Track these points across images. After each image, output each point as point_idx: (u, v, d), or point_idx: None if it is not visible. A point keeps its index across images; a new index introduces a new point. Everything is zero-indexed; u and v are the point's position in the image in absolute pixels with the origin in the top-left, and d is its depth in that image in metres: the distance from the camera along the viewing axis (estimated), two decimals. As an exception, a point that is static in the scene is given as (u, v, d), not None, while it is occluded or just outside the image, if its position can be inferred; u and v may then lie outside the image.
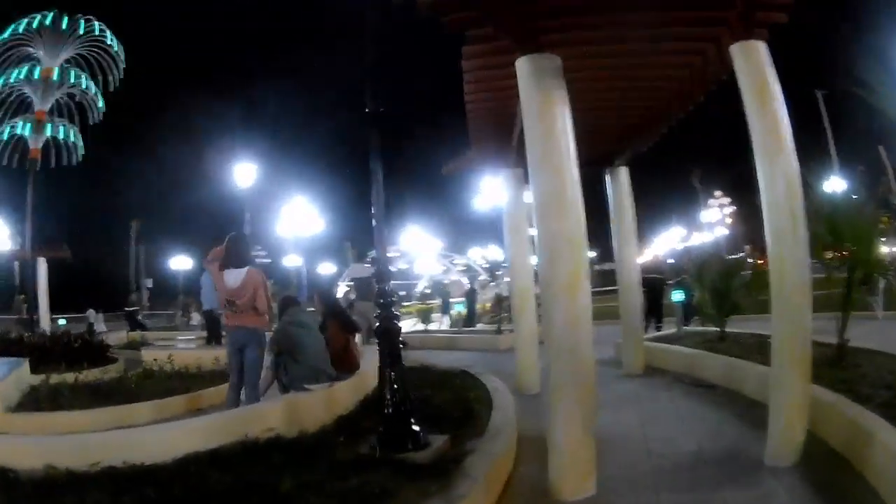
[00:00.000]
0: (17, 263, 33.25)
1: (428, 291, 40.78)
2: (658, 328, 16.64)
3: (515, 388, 10.37)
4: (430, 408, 7.40)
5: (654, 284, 17.12)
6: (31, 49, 32.96)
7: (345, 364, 9.34)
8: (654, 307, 17.28)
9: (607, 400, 8.42)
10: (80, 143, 35.26)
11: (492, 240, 53.63)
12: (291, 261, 48.94)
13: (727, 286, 11.42)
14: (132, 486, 4.95)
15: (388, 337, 6.48)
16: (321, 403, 7.87)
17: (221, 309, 9.59)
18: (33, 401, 9.47)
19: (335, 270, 54.53)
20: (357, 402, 8.42)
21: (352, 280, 18.48)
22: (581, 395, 5.67)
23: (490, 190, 37.52)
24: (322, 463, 5.60)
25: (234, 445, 6.10)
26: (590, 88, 8.07)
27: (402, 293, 30.51)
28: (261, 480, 5.01)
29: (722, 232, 66.73)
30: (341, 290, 28.82)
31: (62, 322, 34.13)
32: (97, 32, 34.35)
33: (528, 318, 11.36)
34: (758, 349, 9.26)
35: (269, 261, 48.55)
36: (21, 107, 33.45)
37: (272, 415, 7.07)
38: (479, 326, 25.16)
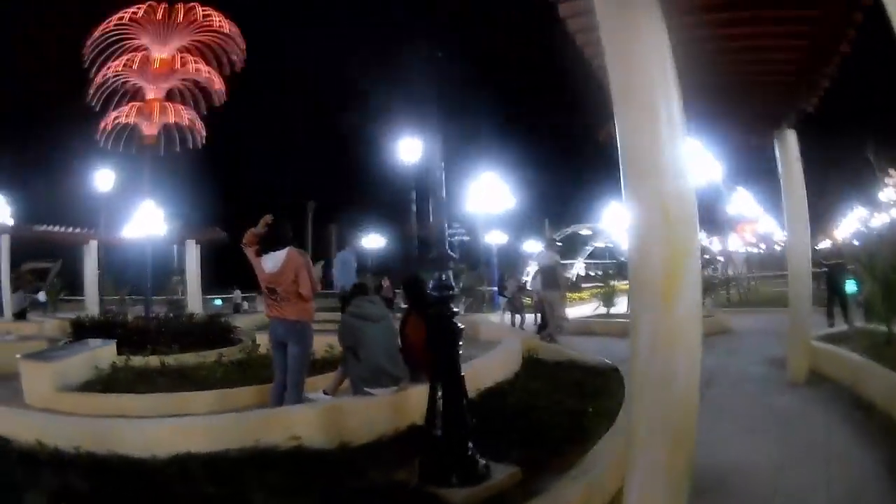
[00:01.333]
0: (174, 246, 33.99)
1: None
2: (843, 319, 14.23)
3: None
4: (527, 420, 6.63)
5: (834, 271, 15.01)
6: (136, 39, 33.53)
7: (426, 365, 8.07)
8: (839, 297, 14.93)
9: (753, 419, 7.78)
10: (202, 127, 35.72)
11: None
12: (494, 238, 47.62)
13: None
14: (85, 475, 4.96)
15: (443, 338, 5.42)
16: (380, 410, 6.95)
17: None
18: (102, 381, 9.43)
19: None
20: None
21: (538, 265, 17.31)
22: (672, 453, 4.01)
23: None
24: (327, 488, 4.99)
25: (239, 451, 5.72)
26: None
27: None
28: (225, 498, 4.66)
29: None
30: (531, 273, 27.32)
31: (218, 302, 35.91)
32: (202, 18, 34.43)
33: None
34: None
35: (467, 238, 46.94)
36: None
37: (301, 421, 6.38)
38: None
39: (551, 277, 16.36)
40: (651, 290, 4.15)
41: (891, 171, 56.78)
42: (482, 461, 5.25)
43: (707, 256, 31.99)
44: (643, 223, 4.21)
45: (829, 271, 15.26)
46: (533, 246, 47.51)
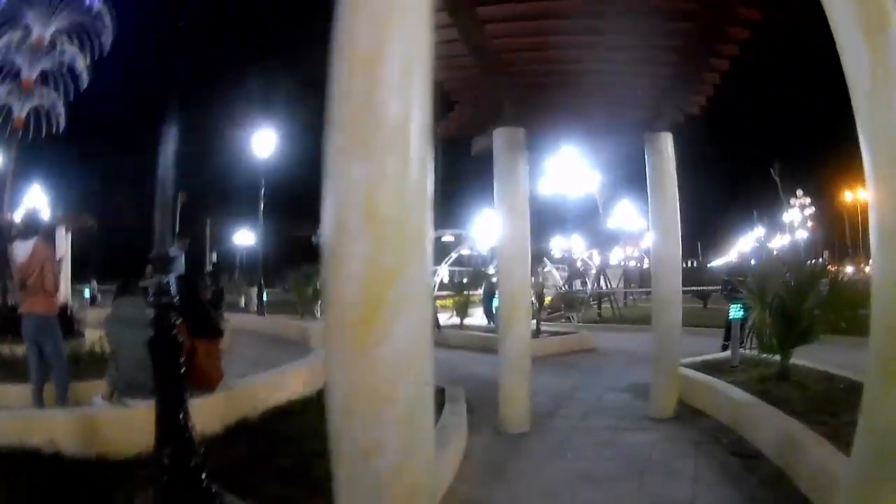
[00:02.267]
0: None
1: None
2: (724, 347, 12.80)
3: (497, 423, 8.24)
4: (300, 448, 5.84)
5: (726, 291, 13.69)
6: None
7: (189, 377, 6.52)
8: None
9: (605, 462, 6.62)
10: (62, 113, 34.57)
11: (579, 229, 50.42)
12: None
13: (799, 305, 8.15)
14: None
15: (163, 353, 4.59)
16: (141, 423, 5.64)
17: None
18: None
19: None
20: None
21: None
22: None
23: (554, 171, 34.72)
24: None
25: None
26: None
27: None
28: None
29: (803, 235, 60.92)
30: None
31: (87, 293, 33.59)
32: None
33: (519, 328, 8.58)
34: (828, 402, 6.84)
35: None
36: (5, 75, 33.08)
37: (56, 426, 5.87)
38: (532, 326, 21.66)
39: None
40: (343, 324, 3.01)
41: (797, 192, 58.02)
42: (224, 496, 4.61)
43: (578, 268, 31.31)
44: (334, 224, 3.03)
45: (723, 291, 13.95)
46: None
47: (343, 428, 2.98)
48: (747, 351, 9.52)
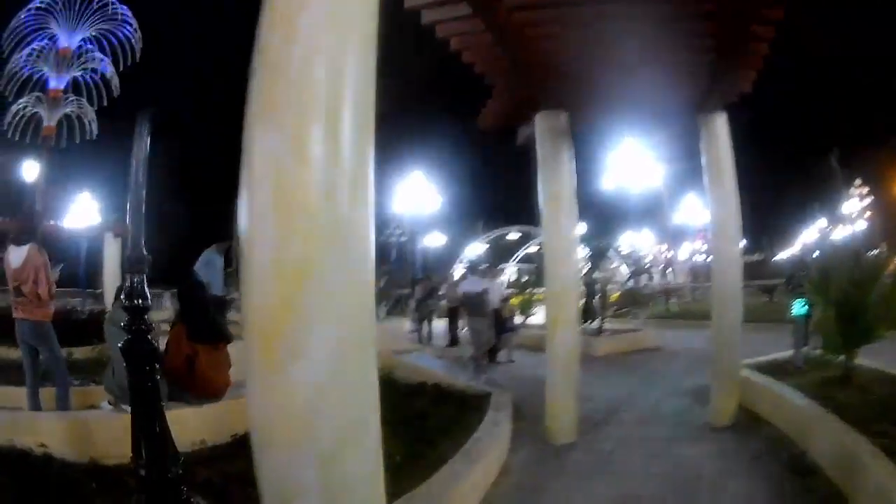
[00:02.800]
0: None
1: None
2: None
3: (543, 433, 7.66)
4: None
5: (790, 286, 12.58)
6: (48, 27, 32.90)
7: (189, 384, 6.65)
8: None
9: (652, 480, 6.03)
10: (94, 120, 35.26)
11: (648, 224, 49.07)
12: (432, 240, 45.51)
13: (861, 300, 7.44)
14: None
15: (134, 360, 4.16)
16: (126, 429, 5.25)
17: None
18: None
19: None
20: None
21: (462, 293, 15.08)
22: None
23: (616, 165, 33.81)
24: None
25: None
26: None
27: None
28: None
29: (862, 226, 57.41)
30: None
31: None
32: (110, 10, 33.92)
33: (565, 331, 7.91)
34: (891, 408, 6.19)
35: (404, 239, 44.76)
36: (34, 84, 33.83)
37: (46, 429, 5.74)
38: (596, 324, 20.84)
39: (479, 305, 13.82)
40: (255, 331, 2.56)
41: (856, 182, 55.05)
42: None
43: (644, 264, 30.29)
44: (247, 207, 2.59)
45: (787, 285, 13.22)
46: (471, 249, 45.06)
47: (262, 464, 2.50)
48: (813, 350, 8.80)
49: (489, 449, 6.24)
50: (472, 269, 17.15)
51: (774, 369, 9.04)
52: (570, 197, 7.90)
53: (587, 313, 21.11)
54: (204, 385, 6.70)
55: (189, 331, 6.78)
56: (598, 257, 19.79)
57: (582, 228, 43.62)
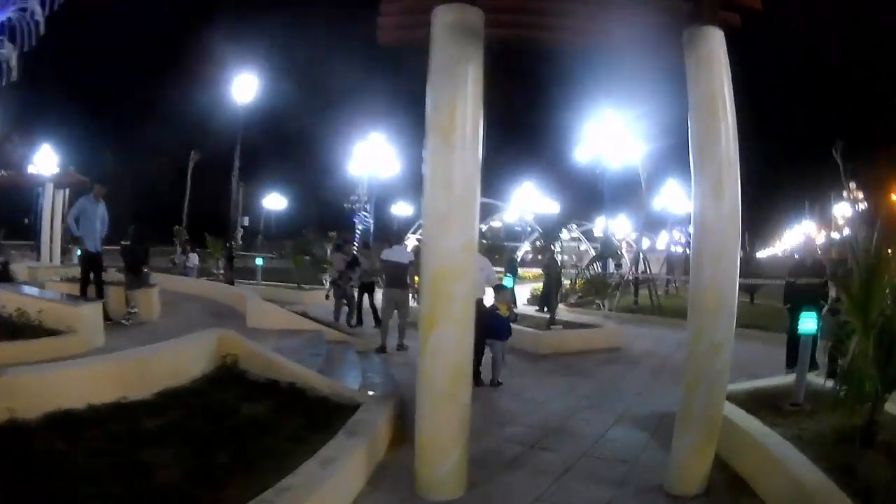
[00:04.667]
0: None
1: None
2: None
3: (414, 482, 5.27)
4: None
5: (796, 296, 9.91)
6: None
7: None
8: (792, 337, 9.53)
9: None
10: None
11: (624, 210, 46.67)
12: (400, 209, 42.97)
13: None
14: None
15: None
16: None
17: None
18: None
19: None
20: None
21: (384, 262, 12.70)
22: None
23: (593, 137, 31.04)
24: None
25: None
26: None
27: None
28: None
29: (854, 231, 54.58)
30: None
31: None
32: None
33: (447, 332, 5.18)
34: None
35: (366, 212, 41.53)
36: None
37: None
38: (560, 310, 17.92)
39: (400, 277, 12.14)
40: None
41: (850, 185, 51.56)
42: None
43: (615, 248, 27.61)
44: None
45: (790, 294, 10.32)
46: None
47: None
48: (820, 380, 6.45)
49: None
50: (388, 237, 14.79)
51: (763, 404, 6.62)
52: (473, 132, 5.14)
53: (545, 299, 18.55)
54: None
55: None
56: (550, 236, 17.13)
57: (555, 208, 41.50)
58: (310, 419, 5.81)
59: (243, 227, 55.78)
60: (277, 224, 61.65)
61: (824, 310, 8.64)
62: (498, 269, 20.27)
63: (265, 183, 59.25)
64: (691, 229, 5.61)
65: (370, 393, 7.11)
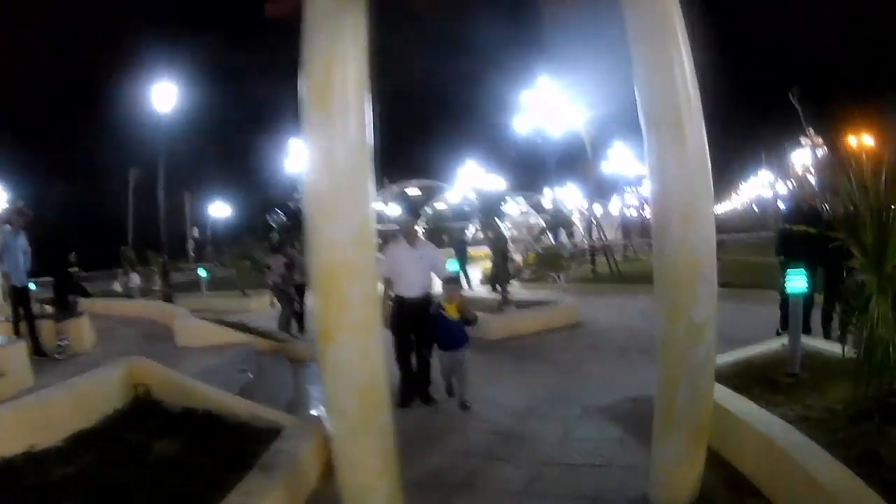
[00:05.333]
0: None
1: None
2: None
3: None
4: None
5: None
6: None
7: None
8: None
9: None
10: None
11: (572, 178, 46.06)
12: None
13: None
14: None
15: None
16: None
17: None
18: None
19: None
20: None
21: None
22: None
23: (532, 103, 30.19)
24: None
25: None
26: None
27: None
28: None
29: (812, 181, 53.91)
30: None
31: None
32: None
33: (353, 347, 4.16)
34: None
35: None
36: None
37: None
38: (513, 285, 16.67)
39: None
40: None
41: (808, 131, 50.42)
42: None
43: (564, 218, 26.73)
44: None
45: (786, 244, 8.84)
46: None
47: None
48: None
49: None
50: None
51: (754, 377, 5.73)
52: (356, 92, 4.05)
53: (497, 279, 17.43)
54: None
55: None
56: (488, 213, 16.10)
57: (501, 184, 40.59)
58: (225, 453, 5.00)
59: (194, 238, 54.57)
60: (226, 232, 60.75)
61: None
62: (448, 251, 19.37)
63: (210, 192, 58.15)
64: (647, 188, 4.63)
65: (290, 416, 6.08)
